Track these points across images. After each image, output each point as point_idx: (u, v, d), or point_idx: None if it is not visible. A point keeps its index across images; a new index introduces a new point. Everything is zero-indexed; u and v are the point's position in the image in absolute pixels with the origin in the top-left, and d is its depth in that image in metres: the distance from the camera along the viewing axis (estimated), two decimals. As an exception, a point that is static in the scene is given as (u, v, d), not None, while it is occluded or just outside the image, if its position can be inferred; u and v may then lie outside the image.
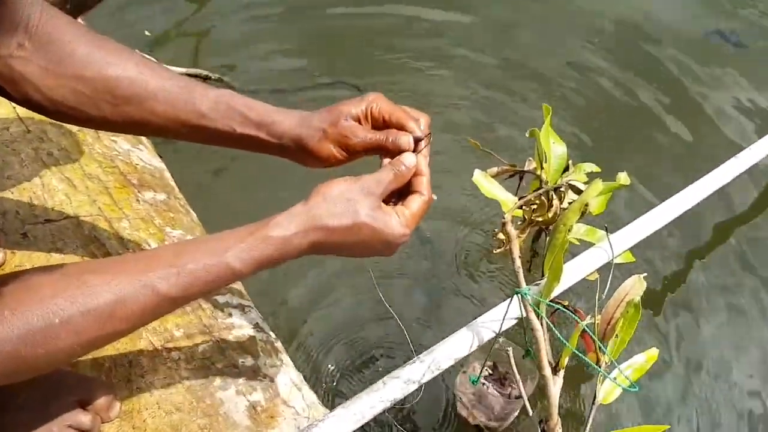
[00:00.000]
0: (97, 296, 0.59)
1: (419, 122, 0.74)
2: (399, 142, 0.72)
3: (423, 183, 0.72)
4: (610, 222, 1.04)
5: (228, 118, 0.72)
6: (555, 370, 0.83)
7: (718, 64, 1.93)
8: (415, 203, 0.71)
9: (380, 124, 0.75)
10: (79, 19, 1.15)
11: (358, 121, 0.74)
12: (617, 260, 0.98)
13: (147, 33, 1.86)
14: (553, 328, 0.77)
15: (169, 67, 0.76)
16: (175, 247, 0.66)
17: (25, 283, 0.59)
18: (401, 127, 0.74)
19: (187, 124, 0.73)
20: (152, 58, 0.74)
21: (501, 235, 0.98)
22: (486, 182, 1.03)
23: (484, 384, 1.10)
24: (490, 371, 1.12)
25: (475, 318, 0.91)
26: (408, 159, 0.71)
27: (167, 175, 1.22)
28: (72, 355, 0.60)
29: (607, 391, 0.83)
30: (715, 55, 1.97)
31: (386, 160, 0.72)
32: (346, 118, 0.73)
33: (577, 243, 1.04)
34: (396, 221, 0.69)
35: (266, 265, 0.65)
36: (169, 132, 0.74)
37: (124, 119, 0.72)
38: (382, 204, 0.69)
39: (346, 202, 0.67)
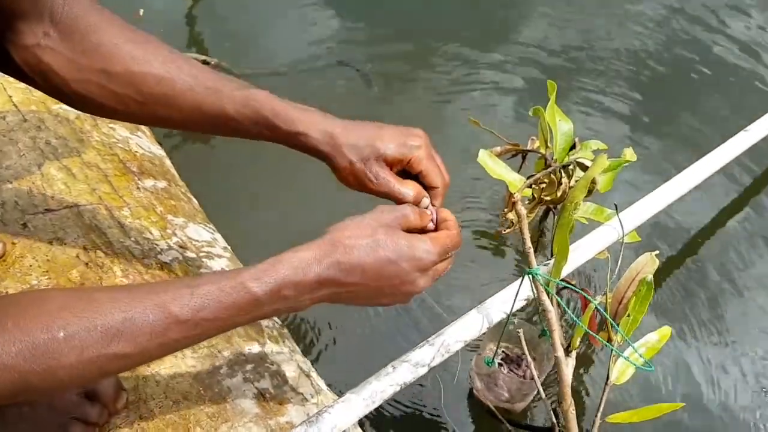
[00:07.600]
0: (105, 313, 0.56)
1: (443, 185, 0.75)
2: (420, 204, 0.73)
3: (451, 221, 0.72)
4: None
5: (255, 124, 0.71)
6: (567, 351, 0.81)
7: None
8: (442, 232, 0.70)
9: (410, 172, 0.74)
10: None
11: (392, 164, 0.72)
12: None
13: (141, 12, 1.84)
14: (566, 309, 0.75)
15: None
16: (192, 276, 0.65)
17: (32, 298, 0.57)
18: (428, 185, 0.74)
19: (214, 124, 0.73)
20: (178, 51, 0.73)
21: (510, 215, 0.97)
22: (491, 162, 1.01)
23: (500, 365, 1.08)
24: (507, 353, 1.11)
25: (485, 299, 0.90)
26: (425, 201, 0.73)
27: (167, 162, 1.20)
28: (72, 376, 0.56)
29: (620, 370, 0.82)
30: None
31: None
32: (378, 158, 0.71)
33: (585, 222, 1.03)
34: (419, 239, 0.66)
35: (286, 289, 0.62)
36: (195, 128, 0.75)
37: (150, 115, 0.72)
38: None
39: (364, 225, 0.65)
